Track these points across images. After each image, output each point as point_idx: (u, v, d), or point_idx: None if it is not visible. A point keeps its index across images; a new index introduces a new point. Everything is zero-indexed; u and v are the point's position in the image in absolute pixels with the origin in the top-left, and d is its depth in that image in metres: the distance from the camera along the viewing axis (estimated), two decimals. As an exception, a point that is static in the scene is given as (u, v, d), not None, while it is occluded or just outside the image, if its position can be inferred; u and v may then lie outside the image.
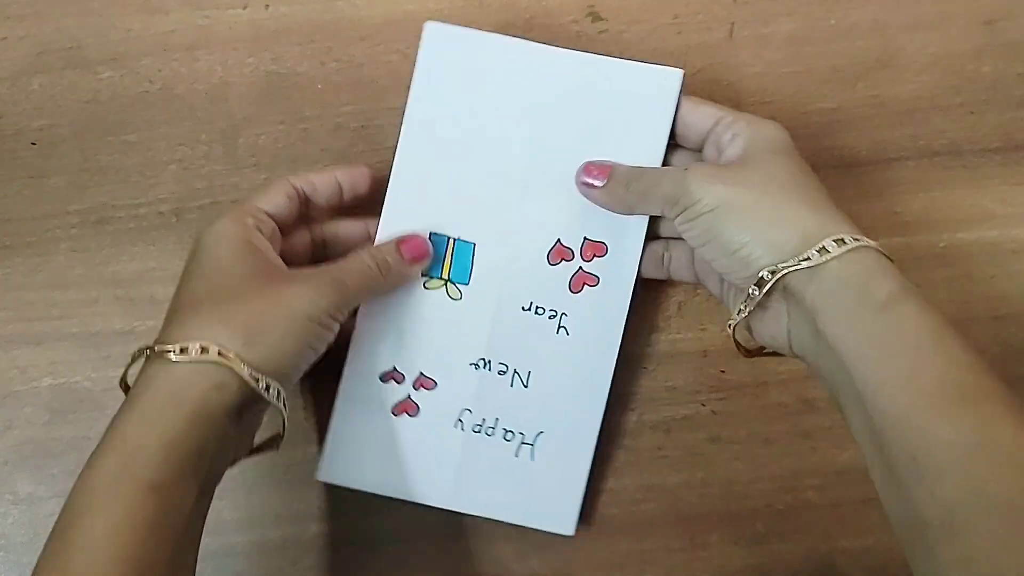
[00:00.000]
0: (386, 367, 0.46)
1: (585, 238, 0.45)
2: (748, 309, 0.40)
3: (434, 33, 0.45)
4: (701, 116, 0.44)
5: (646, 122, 0.44)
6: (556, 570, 0.49)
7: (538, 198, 0.45)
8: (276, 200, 0.44)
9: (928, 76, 0.51)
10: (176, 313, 0.40)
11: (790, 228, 0.39)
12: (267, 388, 0.39)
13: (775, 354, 0.43)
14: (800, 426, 0.48)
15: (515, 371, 0.46)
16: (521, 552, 0.49)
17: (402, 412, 0.46)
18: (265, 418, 0.44)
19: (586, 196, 0.45)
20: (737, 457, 0.48)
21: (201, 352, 0.37)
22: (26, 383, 0.49)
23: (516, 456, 0.46)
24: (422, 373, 0.46)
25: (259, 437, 0.44)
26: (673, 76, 0.44)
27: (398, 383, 0.46)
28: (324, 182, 0.45)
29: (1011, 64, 0.51)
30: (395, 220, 0.45)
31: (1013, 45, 0.51)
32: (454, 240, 0.46)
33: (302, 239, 0.46)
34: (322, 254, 0.47)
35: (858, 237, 0.38)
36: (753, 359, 0.44)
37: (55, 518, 0.48)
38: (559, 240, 0.46)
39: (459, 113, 0.45)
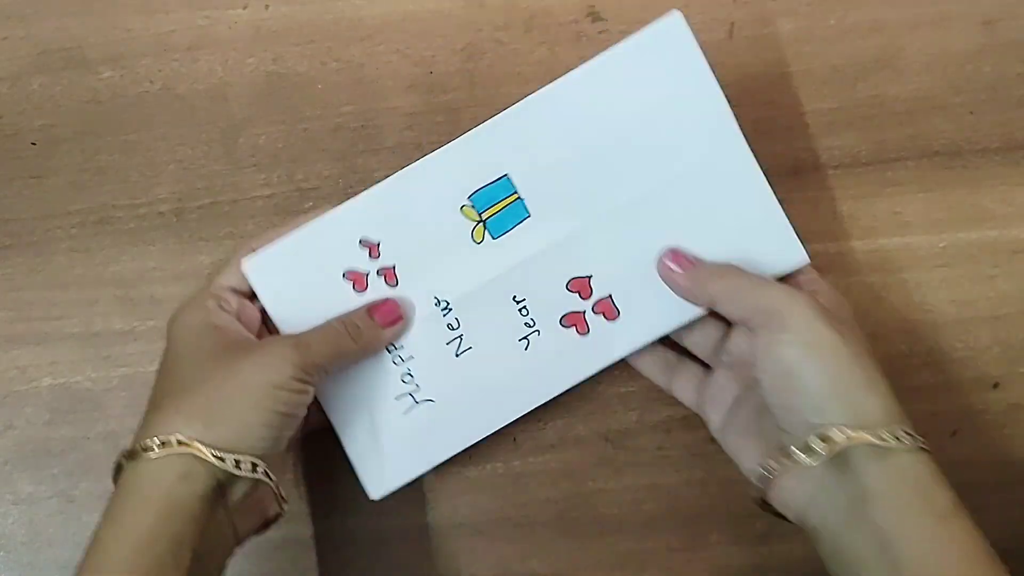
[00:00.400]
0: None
1: (610, 295, 0.44)
2: (803, 462, 0.38)
3: (251, 265, 0.44)
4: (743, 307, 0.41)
5: (686, 84, 0.42)
6: (556, 570, 0.49)
7: (606, 224, 0.44)
8: (233, 270, 0.44)
9: (928, 76, 0.51)
10: (146, 415, 0.40)
11: (878, 397, 0.37)
12: (237, 464, 0.38)
13: (780, 516, 0.41)
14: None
15: (460, 337, 0.44)
16: (521, 552, 0.49)
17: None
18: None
19: (664, 279, 0.43)
20: (737, 457, 0.48)
21: (162, 446, 0.37)
22: (26, 383, 0.49)
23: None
24: (393, 267, 0.44)
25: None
26: (675, 22, 0.42)
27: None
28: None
29: (1011, 64, 0.51)
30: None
31: (1013, 45, 0.51)
32: (517, 197, 0.44)
33: None
34: None
35: (910, 432, 0.37)
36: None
37: (55, 518, 0.48)
38: (591, 276, 0.44)
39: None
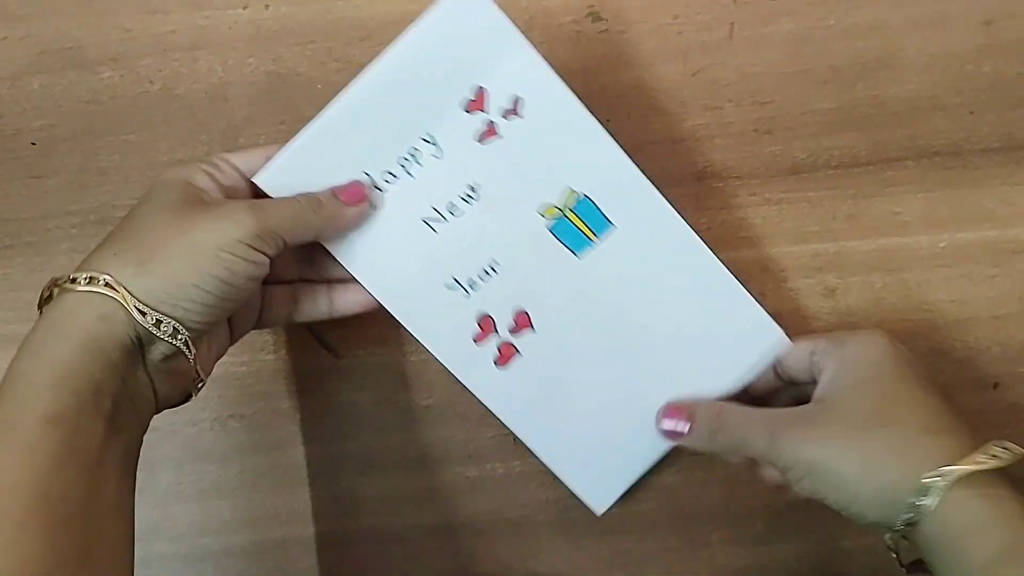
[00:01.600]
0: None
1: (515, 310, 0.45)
2: (896, 559, 0.39)
3: (269, 180, 0.41)
4: (798, 357, 0.43)
5: (499, 47, 0.41)
6: (556, 570, 0.49)
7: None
8: (252, 158, 0.41)
9: (928, 76, 0.51)
10: (90, 254, 0.38)
11: (881, 482, 0.37)
12: (158, 323, 0.36)
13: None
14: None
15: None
16: (521, 552, 0.49)
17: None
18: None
19: (668, 440, 0.44)
20: (737, 457, 0.48)
21: (88, 282, 0.36)
22: (26, 383, 0.49)
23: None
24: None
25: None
26: (776, 337, 0.44)
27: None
28: (259, 157, 0.42)
29: (1011, 64, 0.51)
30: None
31: (1013, 45, 0.51)
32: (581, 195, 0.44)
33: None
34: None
35: (947, 471, 0.35)
36: None
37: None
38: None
39: None
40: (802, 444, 0.39)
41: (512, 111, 0.43)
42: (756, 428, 0.41)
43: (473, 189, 0.43)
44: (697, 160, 0.50)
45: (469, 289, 0.44)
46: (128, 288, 0.36)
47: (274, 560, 0.49)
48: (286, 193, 0.41)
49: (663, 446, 0.46)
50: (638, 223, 0.45)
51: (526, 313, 0.45)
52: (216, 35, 0.51)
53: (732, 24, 0.51)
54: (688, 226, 0.45)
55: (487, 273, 0.44)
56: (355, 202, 0.42)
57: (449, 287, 0.44)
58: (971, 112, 0.50)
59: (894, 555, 0.38)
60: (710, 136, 0.50)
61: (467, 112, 0.42)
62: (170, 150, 0.51)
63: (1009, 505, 0.35)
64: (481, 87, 0.42)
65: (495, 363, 0.45)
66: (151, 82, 0.51)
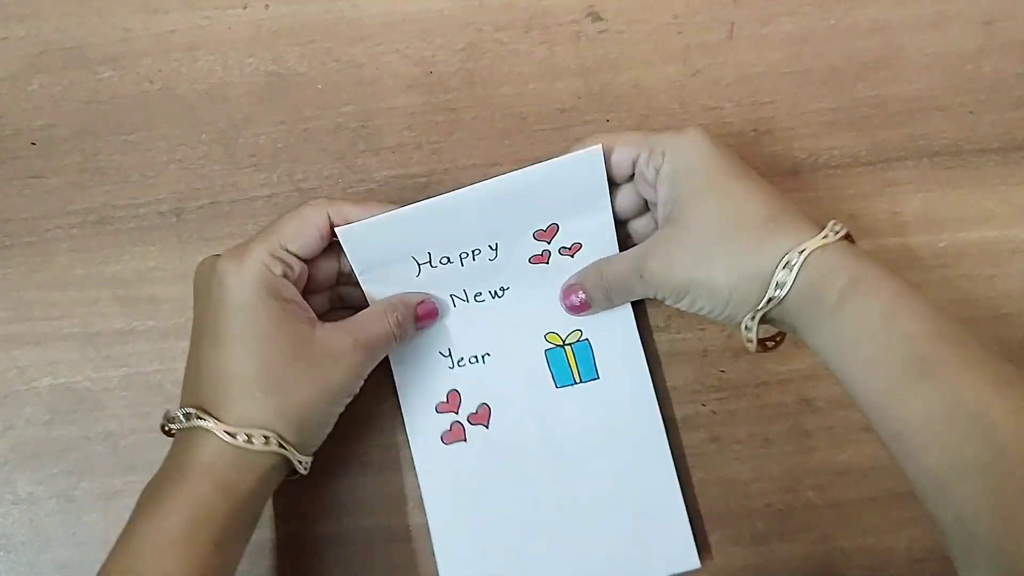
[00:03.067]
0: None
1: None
2: (751, 346, 0.42)
3: (347, 234, 0.44)
4: (619, 160, 0.44)
5: (590, 205, 0.45)
6: (556, 570, 0.49)
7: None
8: (307, 239, 0.43)
9: (928, 76, 0.51)
10: (224, 385, 0.40)
11: (744, 275, 0.41)
12: (301, 463, 0.42)
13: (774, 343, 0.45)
14: (800, 426, 0.48)
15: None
16: (521, 552, 0.49)
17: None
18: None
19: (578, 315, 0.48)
20: (737, 457, 0.48)
21: (265, 442, 0.40)
22: (26, 383, 0.49)
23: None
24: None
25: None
26: (594, 156, 0.44)
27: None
28: (360, 216, 0.44)
29: (1011, 64, 0.51)
30: None
31: (1013, 45, 0.51)
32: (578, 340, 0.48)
33: (328, 269, 0.46)
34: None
35: (802, 248, 0.39)
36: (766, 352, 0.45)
37: (55, 517, 0.48)
38: None
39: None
40: (668, 272, 0.42)
41: (568, 250, 0.47)
42: (630, 273, 0.44)
43: (503, 290, 0.48)
44: (697, 160, 0.50)
45: (456, 364, 0.48)
46: (296, 446, 0.41)
47: (274, 560, 0.49)
48: (358, 248, 0.44)
49: None
50: (619, 390, 0.48)
51: (488, 408, 0.48)
52: (216, 35, 0.51)
53: (732, 24, 0.51)
54: (660, 418, 0.47)
55: (477, 359, 0.48)
56: (428, 324, 0.47)
57: (442, 354, 0.48)
58: (971, 112, 0.50)
59: (752, 334, 0.42)
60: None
61: (534, 238, 0.46)
62: (170, 150, 0.51)
63: (848, 252, 0.40)
64: (556, 224, 0.46)
65: (441, 436, 0.48)
66: (151, 82, 0.51)
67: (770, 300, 0.40)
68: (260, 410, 0.40)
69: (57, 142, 0.51)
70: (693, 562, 0.46)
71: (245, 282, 0.41)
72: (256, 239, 0.42)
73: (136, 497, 0.48)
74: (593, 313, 0.48)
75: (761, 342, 0.43)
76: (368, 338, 0.43)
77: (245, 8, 0.51)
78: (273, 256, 0.42)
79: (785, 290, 0.40)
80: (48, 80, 0.51)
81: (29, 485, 0.48)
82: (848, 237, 0.41)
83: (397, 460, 0.49)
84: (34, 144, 0.51)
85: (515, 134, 0.51)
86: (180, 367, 0.49)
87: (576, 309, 0.47)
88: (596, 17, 0.51)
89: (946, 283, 0.49)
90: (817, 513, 0.48)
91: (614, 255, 0.46)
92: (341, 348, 0.42)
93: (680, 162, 0.42)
